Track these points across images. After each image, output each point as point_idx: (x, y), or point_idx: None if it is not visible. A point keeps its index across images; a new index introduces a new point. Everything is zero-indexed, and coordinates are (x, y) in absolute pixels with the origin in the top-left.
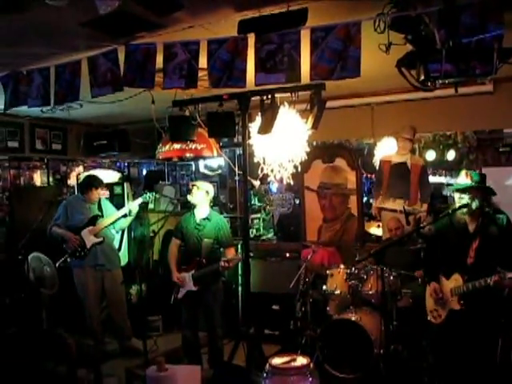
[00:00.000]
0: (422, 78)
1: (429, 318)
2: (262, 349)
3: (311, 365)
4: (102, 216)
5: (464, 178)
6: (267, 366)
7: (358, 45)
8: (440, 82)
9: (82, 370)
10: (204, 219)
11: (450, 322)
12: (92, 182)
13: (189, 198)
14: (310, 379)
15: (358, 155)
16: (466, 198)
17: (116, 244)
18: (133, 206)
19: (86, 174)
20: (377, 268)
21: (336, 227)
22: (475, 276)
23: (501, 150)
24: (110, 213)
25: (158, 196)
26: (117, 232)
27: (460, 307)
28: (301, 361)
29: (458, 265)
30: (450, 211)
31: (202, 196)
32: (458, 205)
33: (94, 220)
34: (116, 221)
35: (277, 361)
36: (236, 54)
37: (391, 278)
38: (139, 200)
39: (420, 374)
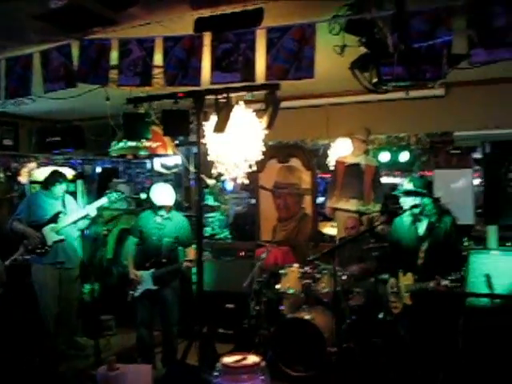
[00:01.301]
0: (375, 80)
1: (391, 308)
2: (215, 348)
3: (262, 363)
4: (66, 213)
5: (406, 183)
6: (218, 364)
7: (313, 46)
8: (392, 84)
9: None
10: (165, 219)
11: (404, 315)
12: (57, 178)
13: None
14: (261, 377)
15: (313, 155)
16: (407, 202)
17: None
18: (94, 207)
19: (47, 169)
20: (329, 267)
21: (290, 227)
22: (425, 276)
23: (452, 152)
24: (74, 210)
25: (124, 196)
26: (78, 230)
27: (410, 301)
28: (252, 359)
29: (410, 264)
30: (400, 213)
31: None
32: (411, 209)
33: (56, 217)
34: (78, 220)
35: (228, 359)
36: (192, 52)
37: (344, 277)
38: (104, 199)
39: (373, 371)
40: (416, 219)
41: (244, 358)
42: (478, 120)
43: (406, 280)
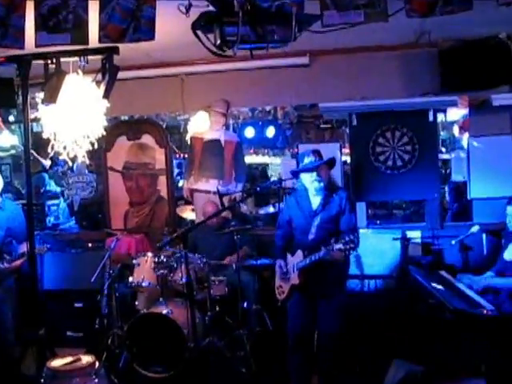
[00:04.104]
0: (219, 41)
1: (276, 295)
2: (56, 352)
3: (97, 364)
4: None
5: (308, 159)
6: (45, 369)
7: (153, 4)
8: (238, 46)
9: None
10: None
11: (291, 297)
12: None
13: None
14: (96, 380)
15: (167, 132)
16: (314, 176)
17: None
18: None
19: None
20: (181, 254)
21: (144, 212)
22: (314, 250)
23: (322, 126)
24: None
25: None
26: None
27: (299, 281)
28: (85, 360)
29: (301, 241)
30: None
31: None
32: (310, 185)
33: None
34: None
35: (56, 363)
36: (12, 7)
37: (201, 264)
38: None
39: (237, 365)
40: (311, 195)
41: (76, 360)
42: (343, 91)
43: (296, 258)
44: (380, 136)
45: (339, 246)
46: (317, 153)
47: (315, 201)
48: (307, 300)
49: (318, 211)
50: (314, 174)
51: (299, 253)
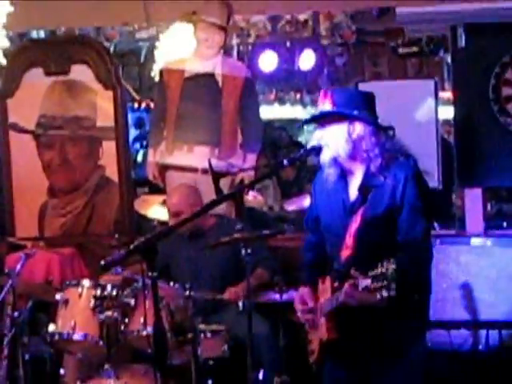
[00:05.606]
0: None
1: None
2: None
3: None
4: None
5: (321, 102)
6: None
7: None
8: None
9: None
10: None
11: (325, 360)
12: None
13: None
14: None
15: (122, 62)
16: (325, 138)
17: None
18: None
19: None
20: (143, 281)
21: (76, 206)
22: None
23: (401, 51)
24: None
25: None
26: None
27: (327, 337)
28: None
29: (332, 260)
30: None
31: None
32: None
33: None
34: None
35: None
36: None
37: (181, 301)
38: None
39: None
40: (345, 172)
41: None
42: None
43: (324, 293)
44: (510, 67)
45: (366, 282)
46: (349, 93)
47: (353, 185)
48: (351, 368)
49: (357, 204)
50: (320, 131)
51: (327, 283)
